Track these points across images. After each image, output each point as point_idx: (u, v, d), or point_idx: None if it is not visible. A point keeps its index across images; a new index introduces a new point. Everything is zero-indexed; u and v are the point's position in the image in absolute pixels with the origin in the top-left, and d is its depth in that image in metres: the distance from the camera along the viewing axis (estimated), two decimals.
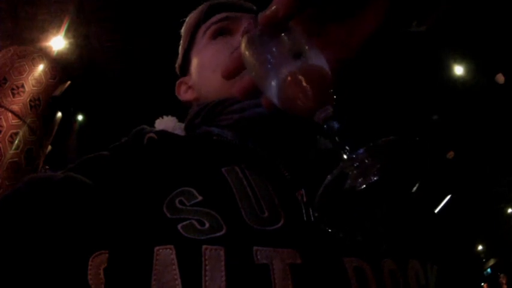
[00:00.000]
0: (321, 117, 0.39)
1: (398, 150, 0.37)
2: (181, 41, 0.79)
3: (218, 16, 0.73)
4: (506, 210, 8.97)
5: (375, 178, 0.35)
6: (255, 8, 0.77)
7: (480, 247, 10.41)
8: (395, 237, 0.48)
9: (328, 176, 0.36)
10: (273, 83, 0.41)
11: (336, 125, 0.39)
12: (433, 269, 0.49)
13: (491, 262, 10.52)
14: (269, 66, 0.42)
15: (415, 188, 0.38)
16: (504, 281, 9.39)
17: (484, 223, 8.91)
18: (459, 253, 0.61)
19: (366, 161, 0.36)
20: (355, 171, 0.36)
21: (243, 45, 0.44)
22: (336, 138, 0.38)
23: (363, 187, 0.36)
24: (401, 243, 0.48)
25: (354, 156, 0.36)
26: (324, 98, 0.39)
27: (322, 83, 0.40)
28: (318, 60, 0.41)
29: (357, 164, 0.36)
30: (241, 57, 0.45)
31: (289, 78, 0.40)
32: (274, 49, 0.42)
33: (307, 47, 0.42)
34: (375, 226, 0.42)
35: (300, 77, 0.39)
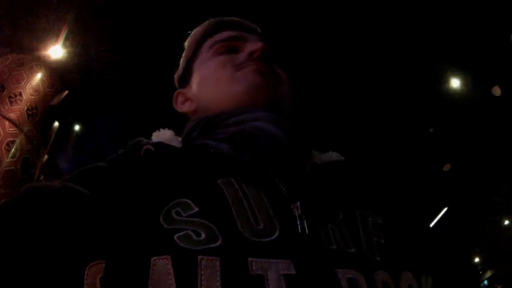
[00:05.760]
0: None
1: None
2: (184, 53, 0.79)
3: (227, 33, 0.73)
4: (503, 222, 8.97)
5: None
6: (259, 30, 0.78)
7: (477, 259, 10.39)
8: (389, 249, 0.49)
9: None
10: None
11: None
12: (427, 280, 0.49)
13: (488, 274, 10.50)
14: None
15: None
16: None
17: (480, 234, 8.91)
18: (455, 264, 0.61)
19: None
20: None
21: None
22: None
23: None
24: (394, 255, 0.49)
25: None
26: None
27: None
28: None
29: None
30: None
31: None
32: None
33: None
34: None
35: None
